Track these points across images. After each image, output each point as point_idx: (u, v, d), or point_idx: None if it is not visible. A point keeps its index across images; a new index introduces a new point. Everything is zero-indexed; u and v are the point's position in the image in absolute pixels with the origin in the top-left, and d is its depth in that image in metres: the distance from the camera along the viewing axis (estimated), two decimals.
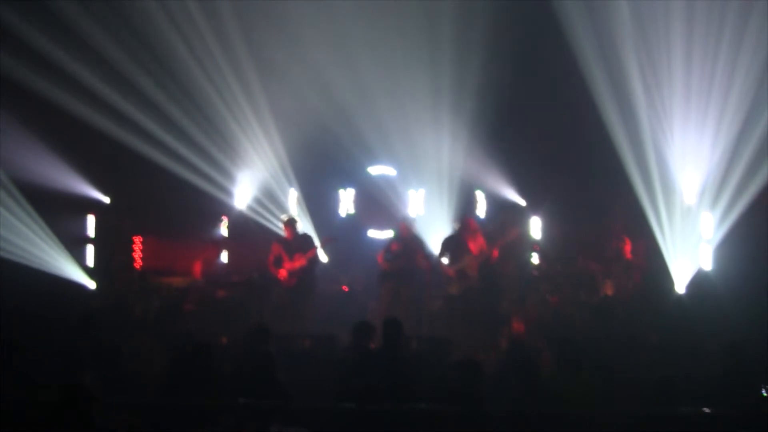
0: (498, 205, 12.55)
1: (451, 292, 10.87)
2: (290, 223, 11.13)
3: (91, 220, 12.46)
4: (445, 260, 11.01)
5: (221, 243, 12.55)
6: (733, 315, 9.57)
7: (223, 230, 12.82)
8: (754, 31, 10.21)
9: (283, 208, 12.77)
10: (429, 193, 12.86)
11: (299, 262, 10.84)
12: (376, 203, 12.76)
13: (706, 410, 5.90)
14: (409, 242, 10.97)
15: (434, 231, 12.21)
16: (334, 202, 13.16)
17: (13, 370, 6.34)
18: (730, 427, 5.77)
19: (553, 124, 12.04)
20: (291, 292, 10.94)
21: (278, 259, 10.97)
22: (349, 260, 11.92)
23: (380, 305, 10.85)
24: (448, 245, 11.04)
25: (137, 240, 12.41)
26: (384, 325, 7.27)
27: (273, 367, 6.54)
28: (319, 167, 12.98)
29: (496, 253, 10.93)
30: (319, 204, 13.01)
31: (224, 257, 12.54)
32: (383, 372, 6.48)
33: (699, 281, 10.55)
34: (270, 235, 12.35)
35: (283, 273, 10.86)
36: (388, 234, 12.15)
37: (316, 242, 11.34)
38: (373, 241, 12.68)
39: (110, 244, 12.24)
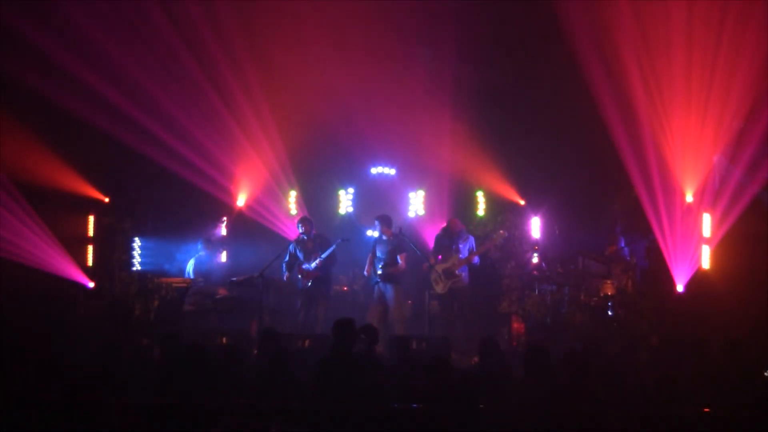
0: (500, 206, 12.54)
1: (438, 290, 11.02)
2: (307, 222, 11.14)
3: (91, 220, 12.43)
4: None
5: None
6: (733, 315, 9.59)
7: (223, 230, 12.81)
8: (755, 30, 10.19)
9: (283, 208, 12.79)
10: (429, 193, 12.86)
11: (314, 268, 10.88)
12: (376, 203, 12.75)
13: (706, 410, 5.90)
14: (397, 243, 10.96)
15: (434, 231, 12.24)
16: (334, 202, 13.16)
17: (13, 370, 6.34)
18: (730, 427, 5.77)
19: (553, 123, 12.04)
20: (304, 294, 10.95)
21: (293, 259, 10.98)
22: (348, 260, 11.90)
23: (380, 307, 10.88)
24: (439, 244, 11.18)
25: (137, 240, 12.39)
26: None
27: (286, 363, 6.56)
28: (319, 167, 12.99)
29: (475, 255, 11.03)
30: (319, 204, 13.01)
31: (223, 257, 12.53)
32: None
33: (698, 281, 10.56)
34: (270, 234, 12.36)
35: (301, 272, 10.91)
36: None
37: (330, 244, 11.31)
38: (372, 241, 12.67)
39: (110, 244, 12.22)
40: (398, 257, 10.76)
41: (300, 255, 11.05)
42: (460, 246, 11.04)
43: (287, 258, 11.06)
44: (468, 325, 11.01)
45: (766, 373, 6.34)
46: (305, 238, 11.10)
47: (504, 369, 6.94)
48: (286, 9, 11.78)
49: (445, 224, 11.57)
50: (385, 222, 10.95)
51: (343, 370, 6.45)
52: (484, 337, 7.42)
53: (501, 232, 11.47)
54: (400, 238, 10.91)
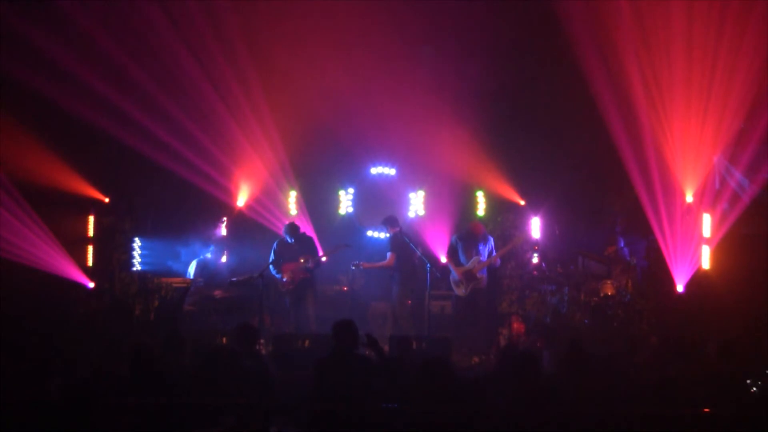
0: (500, 206, 12.53)
1: (459, 293, 11.00)
2: (292, 229, 11.17)
3: (91, 220, 12.43)
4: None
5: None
6: (733, 315, 9.59)
7: (223, 230, 12.81)
8: (755, 30, 10.19)
9: (283, 208, 12.78)
10: (429, 193, 12.86)
11: (302, 267, 10.89)
12: (376, 203, 12.77)
13: (706, 410, 5.90)
14: (388, 241, 11.31)
15: (434, 231, 12.25)
16: (334, 202, 13.16)
17: (12, 369, 6.34)
18: (730, 427, 5.77)
19: (553, 123, 12.05)
20: (291, 293, 10.99)
21: (278, 260, 11.00)
22: (348, 260, 11.90)
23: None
24: (458, 246, 11.17)
25: (137, 240, 12.39)
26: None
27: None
28: (319, 167, 12.99)
29: (497, 258, 11.07)
30: (319, 204, 13.01)
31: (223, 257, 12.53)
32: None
33: (698, 281, 10.55)
34: (270, 234, 12.36)
35: (285, 275, 10.91)
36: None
37: (315, 244, 11.46)
38: (372, 241, 12.69)
39: (110, 244, 12.21)
40: (387, 254, 11.14)
41: (284, 255, 11.05)
42: (480, 248, 11.03)
43: (272, 257, 11.06)
44: (468, 326, 11.01)
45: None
46: (291, 242, 11.12)
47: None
48: (286, 9, 11.78)
49: (450, 225, 11.66)
50: (387, 222, 11.33)
51: (343, 371, 6.44)
52: (506, 344, 7.39)
53: (518, 234, 11.51)
54: (392, 237, 11.18)
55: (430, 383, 5.91)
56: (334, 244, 11.31)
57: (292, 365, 8.50)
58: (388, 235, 11.35)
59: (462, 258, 11.06)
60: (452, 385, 5.95)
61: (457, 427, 5.63)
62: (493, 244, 11.18)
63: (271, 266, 10.97)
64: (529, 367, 6.09)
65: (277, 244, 11.17)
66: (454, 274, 11.02)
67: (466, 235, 11.20)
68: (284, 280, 10.94)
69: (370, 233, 12.76)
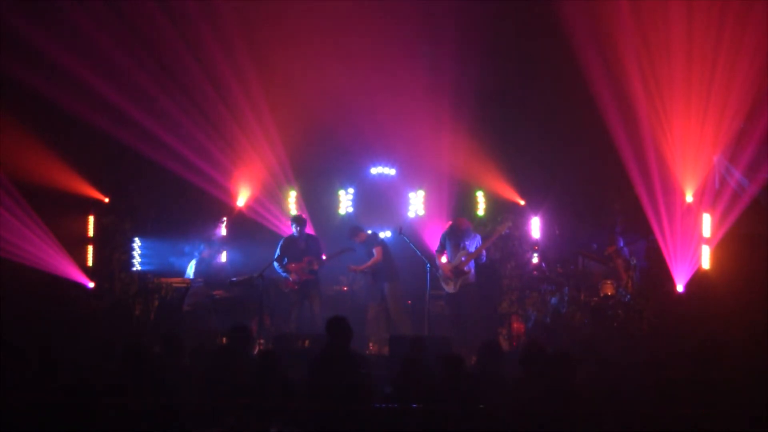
0: (500, 206, 12.53)
1: (449, 290, 11.01)
2: (301, 221, 11.19)
3: (91, 220, 12.43)
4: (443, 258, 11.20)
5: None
6: (732, 315, 9.59)
7: (223, 230, 12.81)
8: (755, 30, 10.19)
9: (283, 208, 12.79)
10: (429, 193, 12.86)
11: (306, 269, 10.95)
12: (376, 203, 12.77)
13: (704, 411, 5.90)
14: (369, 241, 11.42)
15: (434, 231, 12.25)
16: (334, 202, 13.16)
17: (12, 370, 6.34)
18: (729, 428, 5.77)
19: (553, 123, 12.05)
20: (294, 293, 11.02)
21: (283, 258, 11.01)
22: (349, 261, 11.91)
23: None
24: (444, 242, 11.19)
25: (137, 240, 12.39)
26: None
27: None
28: (319, 167, 12.99)
29: (482, 248, 11.04)
30: (319, 204, 13.01)
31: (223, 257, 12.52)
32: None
33: (698, 281, 10.55)
34: (270, 234, 12.37)
35: (292, 276, 10.94)
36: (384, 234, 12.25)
37: (320, 247, 11.45)
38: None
39: (110, 244, 12.21)
40: (373, 251, 11.20)
41: (289, 253, 11.07)
42: (467, 244, 11.01)
43: (278, 253, 11.09)
44: (469, 325, 11.00)
45: None
46: (297, 237, 11.13)
47: (502, 372, 6.91)
48: (286, 9, 11.78)
49: (450, 222, 11.63)
50: (352, 233, 11.43)
51: (337, 368, 6.45)
52: (486, 341, 7.41)
53: (506, 223, 11.45)
54: (369, 237, 11.32)
55: (452, 381, 5.92)
56: (339, 248, 11.32)
57: (291, 365, 8.49)
58: (357, 244, 11.39)
59: (450, 254, 11.09)
60: (471, 382, 5.96)
61: (458, 427, 5.64)
62: (480, 239, 11.17)
63: (275, 263, 10.99)
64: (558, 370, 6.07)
65: (283, 241, 11.19)
66: (442, 271, 11.03)
67: (451, 232, 11.21)
68: (290, 279, 10.98)
69: (369, 233, 12.74)
